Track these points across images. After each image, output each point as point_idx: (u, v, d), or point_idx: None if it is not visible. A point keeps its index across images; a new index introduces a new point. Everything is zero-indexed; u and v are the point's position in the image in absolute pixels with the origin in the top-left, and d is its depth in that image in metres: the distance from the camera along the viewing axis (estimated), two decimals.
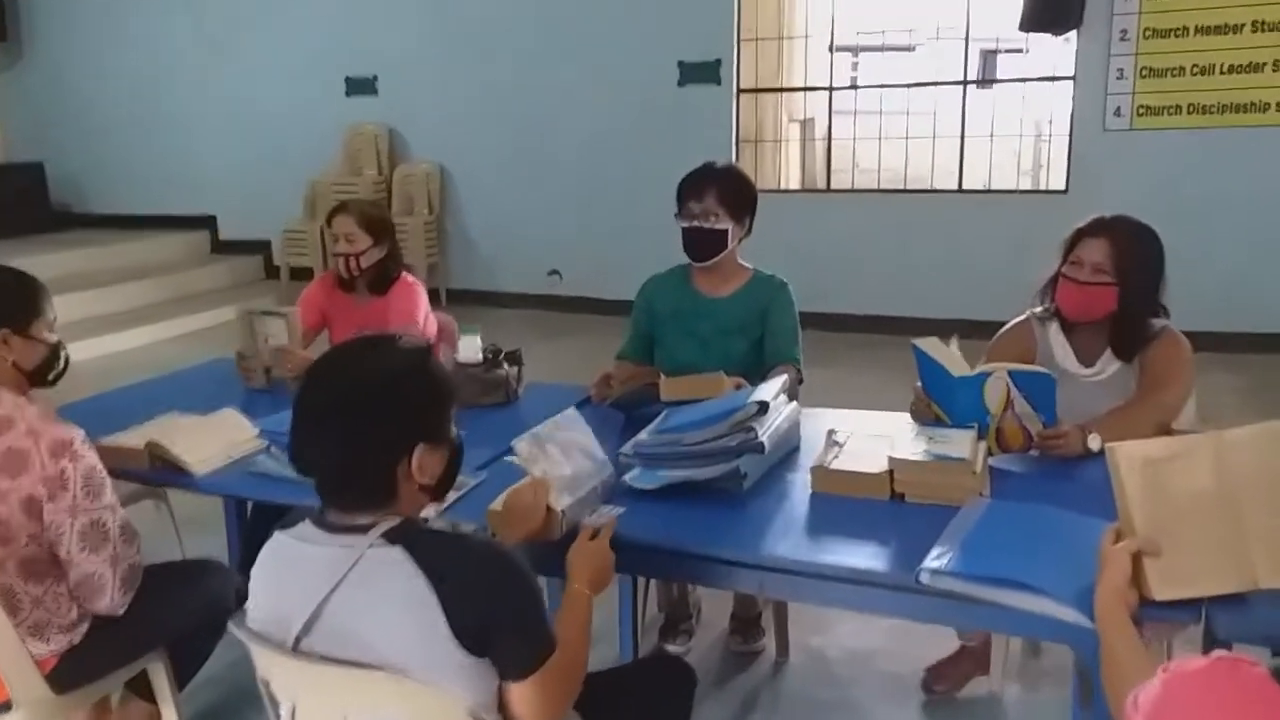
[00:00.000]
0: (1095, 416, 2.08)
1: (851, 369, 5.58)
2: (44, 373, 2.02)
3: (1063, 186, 6.03)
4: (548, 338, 6.57)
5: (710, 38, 6.51)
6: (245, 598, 1.37)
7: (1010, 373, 1.92)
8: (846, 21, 7.88)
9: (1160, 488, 1.38)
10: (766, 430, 1.88)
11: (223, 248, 8.51)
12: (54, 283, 7.28)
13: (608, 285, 6.69)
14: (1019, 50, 7.26)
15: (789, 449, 2.06)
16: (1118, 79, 5.66)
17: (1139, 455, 1.41)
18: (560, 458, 1.78)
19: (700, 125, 6.51)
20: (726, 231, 2.53)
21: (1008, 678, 2.50)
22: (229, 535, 2.83)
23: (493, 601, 1.25)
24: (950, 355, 1.99)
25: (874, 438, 1.97)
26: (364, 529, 1.27)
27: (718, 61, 6.51)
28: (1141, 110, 5.66)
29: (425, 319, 3.05)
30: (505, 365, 2.50)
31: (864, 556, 1.60)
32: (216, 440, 2.16)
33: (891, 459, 1.80)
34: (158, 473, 2.14)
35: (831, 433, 2.00)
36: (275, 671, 1.30)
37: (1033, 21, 5.80)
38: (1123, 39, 5.61)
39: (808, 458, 2.00)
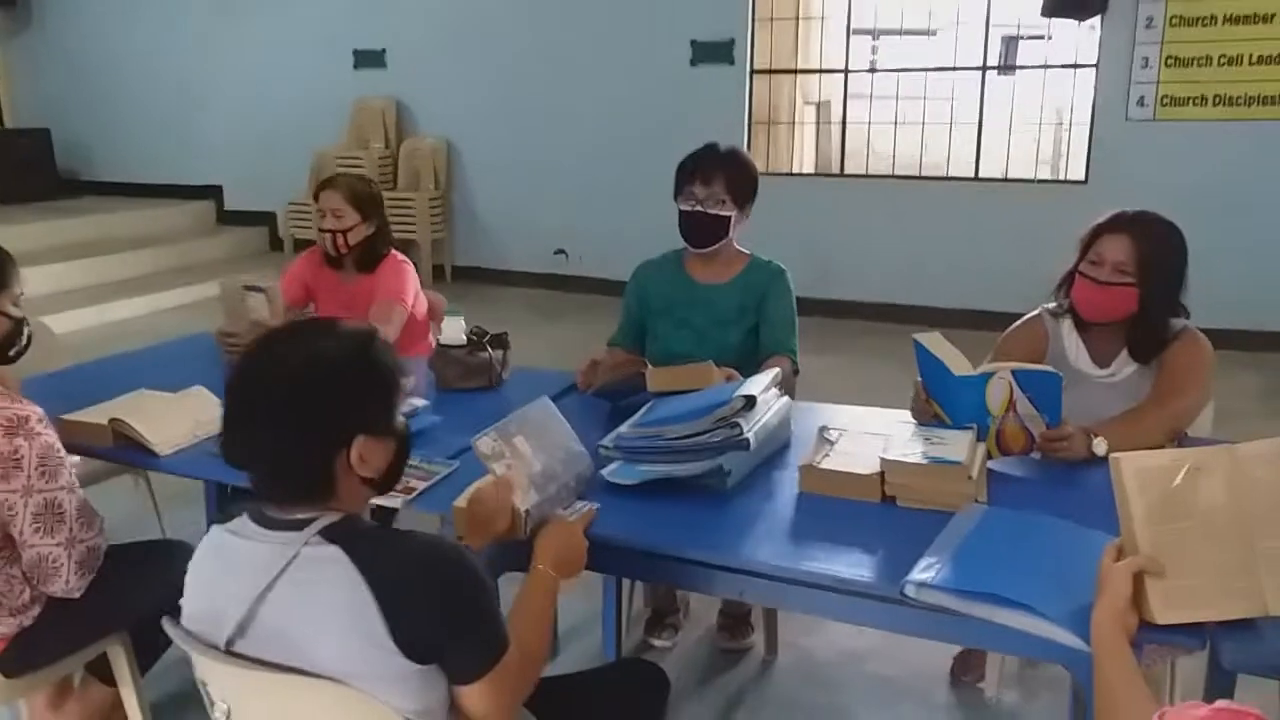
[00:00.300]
0: (1108, 419, 1.98)
1: (857, 358, 5.48)
2: (4, 349, 1.94)
3: (1082, 177, 5.89)
4: (552, 318, 6.49)
5: (724, 17, 6.37)
6: None
7: (1015, 372, 1.81)
8: (865, 3, 7.70)
9: (1167, 503, 1.28)
10: (753, 426, 1.78)
11: (228, 218, 8.46)
12: (59, 250, 7.28)
13: (615, 266, 6.55)
14: (1041, 37, 7.07)
15: (778, 445, 1.96)
16: (1142, 68, 5.50)
17: (1145, 467, 1.31)
18: (529, 451, 1.68)
19: (712, 106, 6.39)
20: (729, 218, 2.43)
21: (1005, 686, 2.41)
22: (209, 512, 2.77)
23: (436, 607, 1.16)
24: (952, 353, 1.89)
25: (868, 436, 1.88)
26: (301, 525, 1.19)
27: (731, 41, 6.38)
28: (1166, 100, 5.50)
29: (414, 298, 2.96)
30: (490, 349, 2.41)
31: (850, 564, 1.50)
32: (183, 419, 2.07)
33: (883, 460, 1.70)
34: (121, 451, 2.06)
35: (823, 430, 1.91)
36: (210, 673, 1.22)
37: (1056, 6, 5.64)
38: (1148, 26, 5.44)
39: (798, 454, 1.91)
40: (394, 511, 1.95)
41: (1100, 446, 1.86)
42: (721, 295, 2.50)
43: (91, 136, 8.72)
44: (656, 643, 2.61)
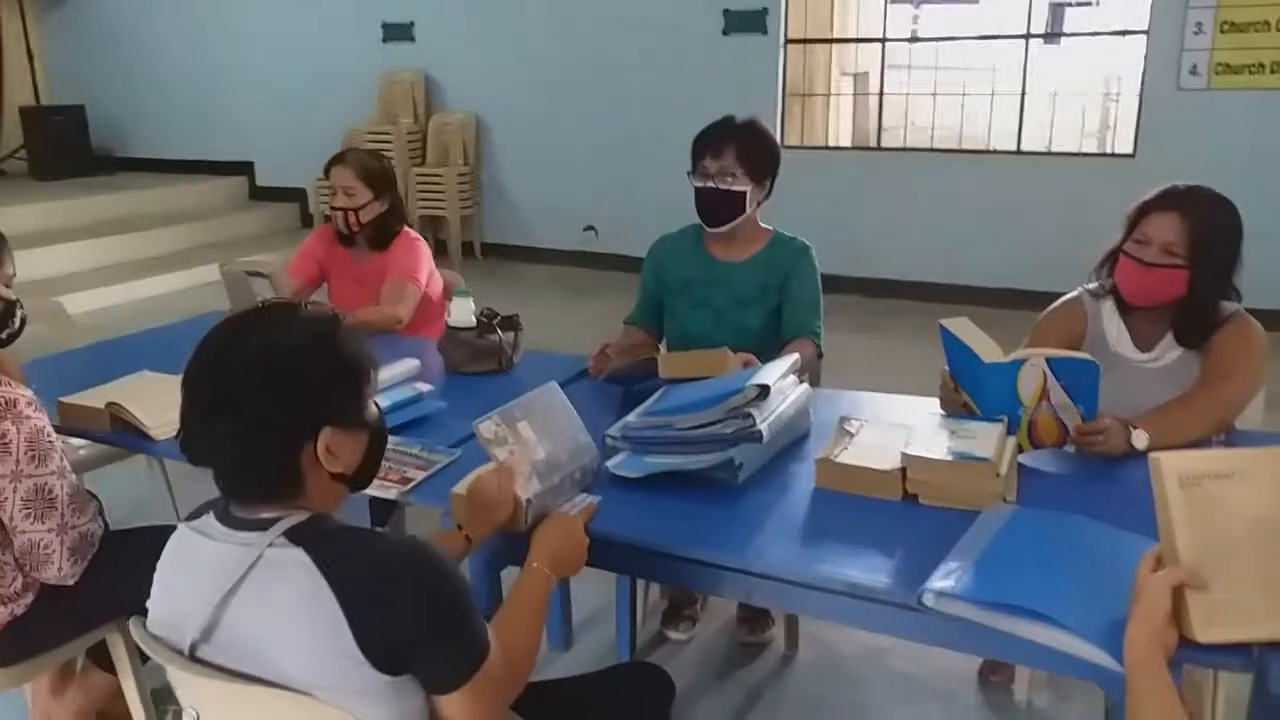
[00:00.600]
0: (1149, 408, 1.85)
1: (892, 338, 5.34)
2: None
3: (1130, 150, 5.65)
4: (580, 295, 6.40)
5: None
6: None
7: (1049, 360, 1.69)
8: None
9: (1211, 509, 1.16)
10: (767, 417, 1.68)
11: (260, 194, 8.46)
12: (94, 226, 7.37)
13: (645, 243, 6.39)
14: (1088, 3, 6.80)
15: (796, 436, 1.86)
16: (1195, 33, 5.24)
17: (1188, 469, 1.18)
18: (534, 438, 1.60)
19: (745, 77, 6.23)
20: (744, 194, 2.31)
21: (1036, 689, 2.30)
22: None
23: (407, 615, 1.08)
24: (981, 338, 1.77)
25: (891, 427, 1.77)
26: (266, 525, 1.12)
27: (764, 10, 6.20)
28: (1220, 68, 5.24)
29: (428, 276, 2.89)
30: (500, 331, 2.32)
31: (865, 568, 1.40)
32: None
33: (905, 455, 1.59)
34: (119, 434, 2.01)
35: (843, 420, 1.80)
36: (176, 679, 1.15)
37: None
38: None
39: (816, 445, 1.81)
40: (393, 504, 1.87)
41: (1140, 440, 1.74)
42: (741, 274, 2.39)
43: (126, 113, 8.76)
44: (673, 635, 2.53)
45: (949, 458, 1.57)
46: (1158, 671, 1.08)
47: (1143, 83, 5.51)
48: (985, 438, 1.62)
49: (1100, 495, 1.64)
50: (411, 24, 7.38)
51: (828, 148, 6.70)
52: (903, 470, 1.59)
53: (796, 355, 1.97)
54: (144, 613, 1.17)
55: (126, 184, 8.12)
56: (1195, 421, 1.83)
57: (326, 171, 2.85)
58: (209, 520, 1.16)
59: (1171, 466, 1.18)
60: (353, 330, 1.22)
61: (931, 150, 6.30)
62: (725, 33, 6.33)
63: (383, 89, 7.47)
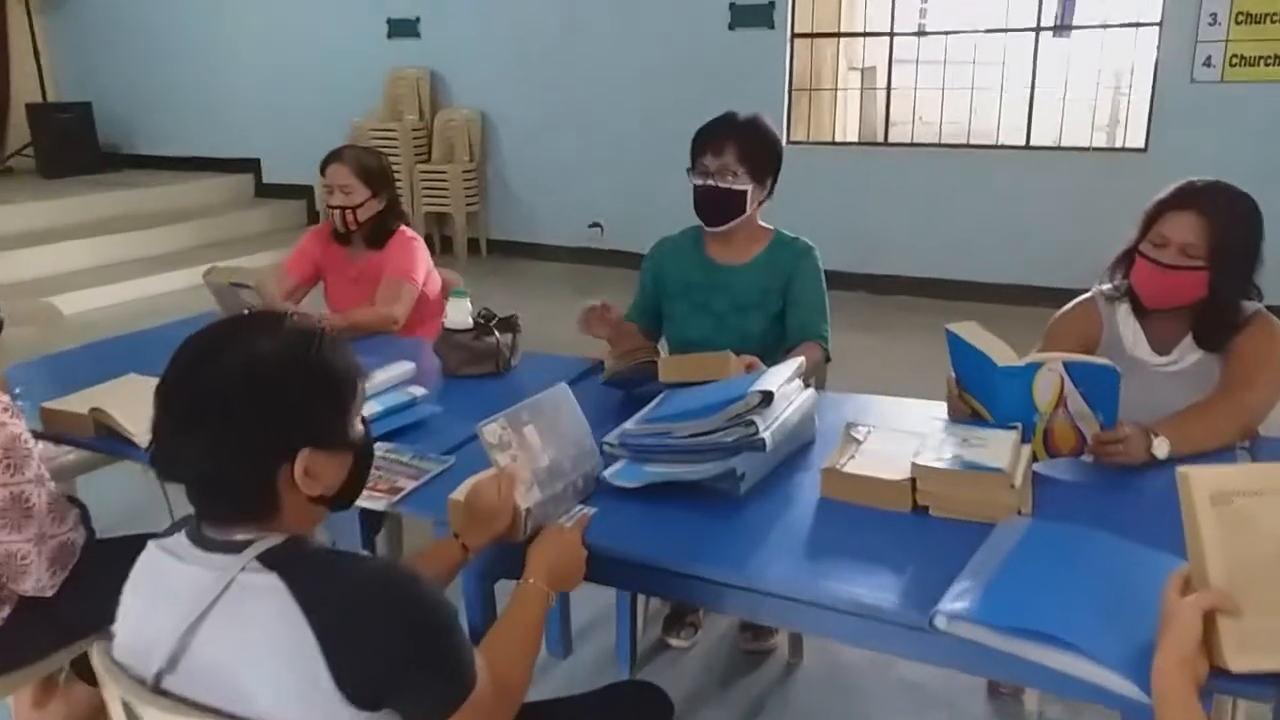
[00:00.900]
0: (1168, 414, 1.78)
1: (900, 335, 5.26)
2: None
3: (1142, 144, 5.55)
4: (586, 293, 6.32)
5: None
6: None
7: (1067, 364, 1.62)
8: None
9: (1244, 528, 1.09)
10: (770, 424, 1.61)
11: (266, 191, 8.42)
12: (100, 224, 7.34)
13: (651, 239, 6.34)
14: None
15: (801, 444, 1.79)
16: (1210, 24, 5.14)
17: (1220, 486, 1.11)
18: (539, 443, 1.54)
19: (752, 71, 6.15)
20: (745, 193, 2.24)
21: (1047, 701, 2.22)
22: None
23: (386, 647, 1.01)
24: (993, 342, 1.70)
25: (900, 434, 1.70)
26: (239, 547, 1.05)
27: (771, 4, 6.11)
28: (1235, 60, 5.13)
29: (425, 275, 2.82)
30: (497, 333, 2.26)
31: (873, 586, 1.34)
32: None
33: (915, 465, 1.52)
34: (103, 441, 1.95)
35: (850, 426, 1.73)
36: (141, 710, 1.09)
37: None
38: None
39: (822, 452, 1.74)
40: (381, 515, 1.81)
41: (1161, 448, 1.67)
42: (741, 277, 2.32)
43: (132, 110, 8.71)
44: (674, 642, 2.46)
45: (961, 468, 1.50)
46: (1188, 703, 1.01)
47: (1155, 75, 5.41)
48: (999, 446, 1.55)
49: (1119, 507, 1.57)
50: (417, 20, 7.32)
51: (834, 143, 6.61)
52: (912, 481, 1.52)
53: (801, 359, 1.90)
54: None
55: (133, 181, 8.08)
56: (1218, 429, 1.76)
57: (323, 169, 2.78)
58: (180, 540, 1.10)
59: (1202, 482, 1.11)
60: (341, 342, 1.14)
61: (939, 146, 6.21)
62: (731, 27, 6.25)
63: (388, 85, 7.41)
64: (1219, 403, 1.83)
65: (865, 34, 6.90)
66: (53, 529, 1.70)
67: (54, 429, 2.00)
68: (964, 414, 1.76)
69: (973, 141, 6.18)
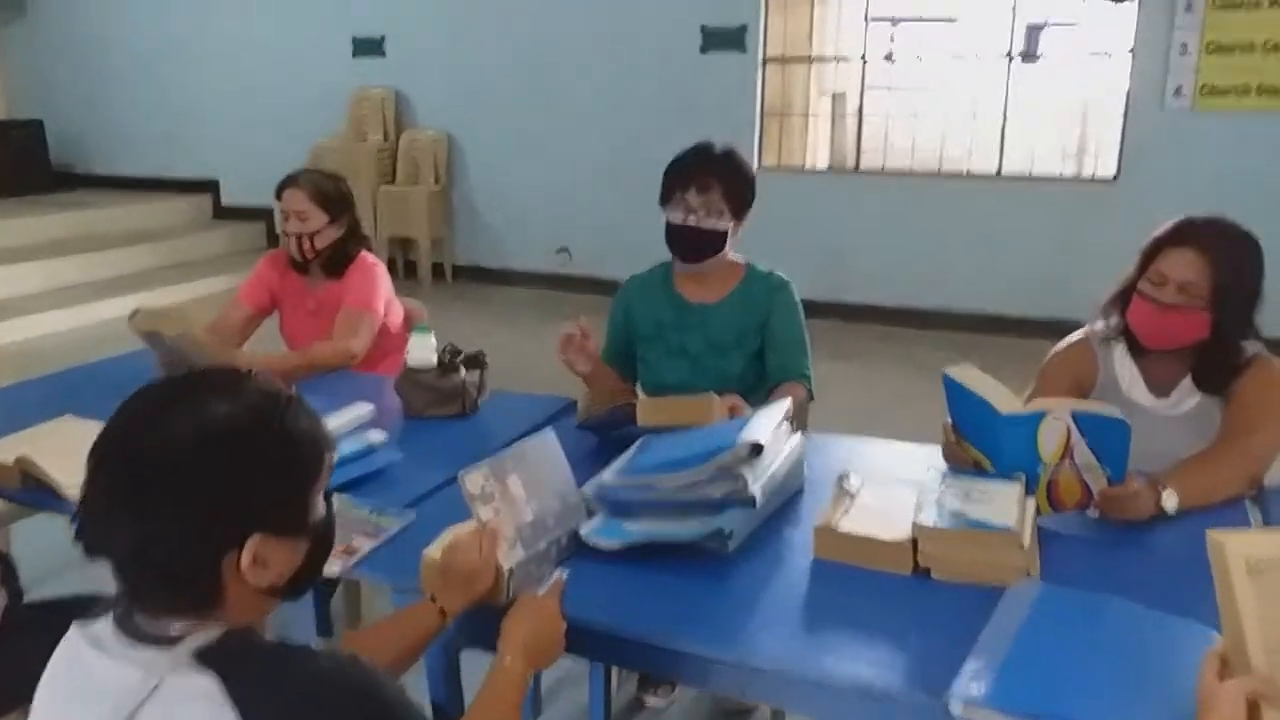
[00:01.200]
0: (1169, 460, 1.70)
1: (874, 364, 5.19)
2: None
3: (1112, 173, 5.54)
4: (554, 320, 6.19)
5: (736, 1, 6.06)
6: None
7: (1075, 414, 1.52)
8: None
9: None
10: (760, 477, 1.50)
11: (225, 213, 8.21)
12: (52, 245, 7.09)
13: (620, 265, 6.23)
14: (1068, 24, 6.74)
15: (790, 495, 1.68)
16: (1180, 54, 5.15)
17: (1257, 554, 1.01)
18: (523, 495, 1.42)
19: (723, 96, 6.09)
20: (727, 232, 2.14)
21: None
22: None
23: None
24: (993, 387, 1.60)
25: (895, 484, 1.59)
26: (171, 642, 0.92)
27: (743, 28, 6.07)
28: (1205, 89, 5.16)
29: (386, 305, 2.68)
30: (463, 370, 2.13)
31: (878, 661, 1.22)
32: None
33: (916, 525, 1.41)
34: (29, 493, 1.78)
35: (842, 478, 1.62)
36: None
37: None
38: (1188, 9, 5.10)
39: (812, 503, 1.63)
40: (334, 582, 1.67)
41: (1170, 501, 1.58)
42: (716, 316, 2.21)
43: (86, 129, 8.48)
44: (650, 701, 2.33)
45: (965, 527, 1.39)
46: None
47: (1126, 104, 5.42)
48: (1004, 502, 1.45)
49: (1129, 565, 1.48)
50: (383, 39, 7.19)
51: (804, 171, 6.55)
52: (913, 541, 1.42)
53: (788, 401, 1.79)
54: None
55: (86, 202, 7.84)
56: (1225, 478, 1.68)
57: (278, 194, 2.63)
58: (104, 627, 0.96)
59: (1238, 551, 1.00)
60: (307, 409, 1.00)
61: (911, 174, 6.18)
62: (703, 50, 6.19)
63: (352, 105, 7.26)
64: (1224, 451, 1.75)
65: (836, 59, 6.87)
66: None
67: None
68: (963, 463, 1.66)
69: (945, 169, 6.16)
